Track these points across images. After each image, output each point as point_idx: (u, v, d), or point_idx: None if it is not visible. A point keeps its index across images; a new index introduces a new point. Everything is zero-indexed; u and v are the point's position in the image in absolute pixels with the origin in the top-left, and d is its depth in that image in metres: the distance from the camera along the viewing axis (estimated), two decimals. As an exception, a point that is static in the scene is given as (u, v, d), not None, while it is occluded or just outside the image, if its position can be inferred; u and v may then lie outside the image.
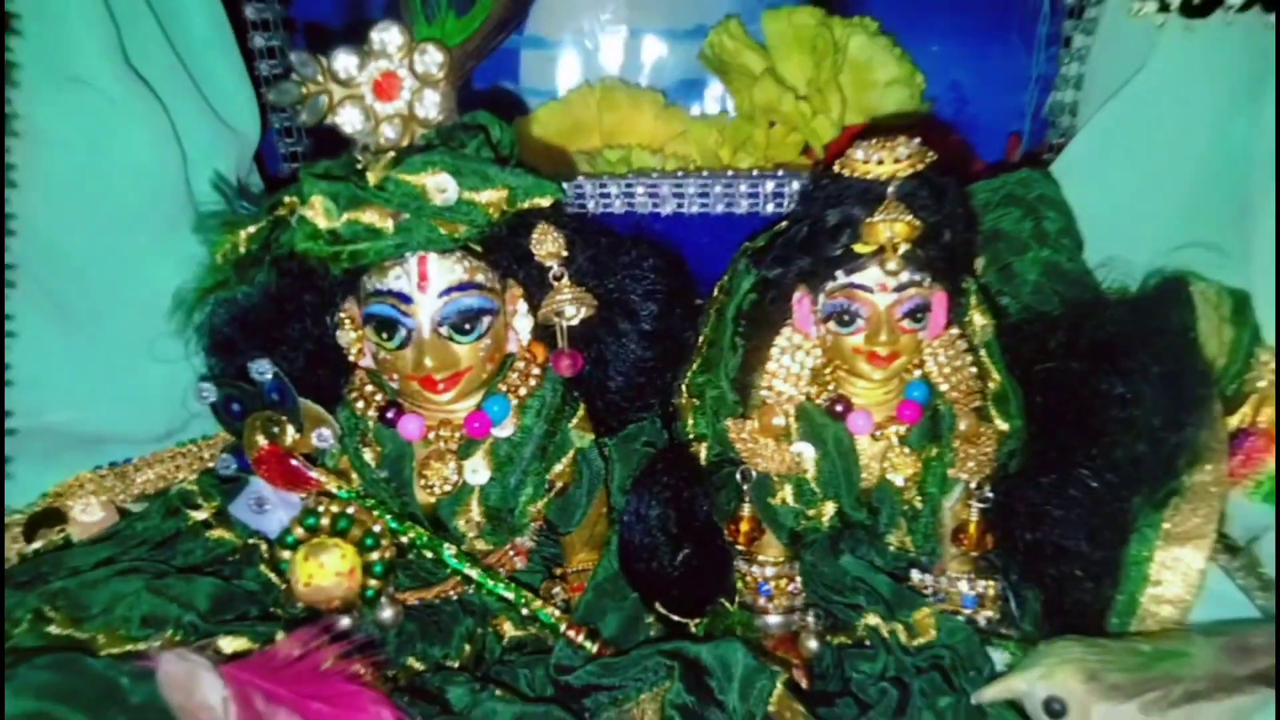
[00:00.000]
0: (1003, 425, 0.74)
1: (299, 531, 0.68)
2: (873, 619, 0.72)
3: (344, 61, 0.68)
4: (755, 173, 1.04)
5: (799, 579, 0.76)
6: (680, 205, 1.01)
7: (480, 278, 0.68)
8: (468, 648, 0.74)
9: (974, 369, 0.73)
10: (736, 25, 1.25)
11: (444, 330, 0.67)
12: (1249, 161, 0.74)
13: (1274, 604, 0.68)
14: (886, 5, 1.28)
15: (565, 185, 0.94)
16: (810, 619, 0.75)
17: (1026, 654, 0.61)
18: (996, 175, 0.90)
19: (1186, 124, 0.78)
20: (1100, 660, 0.58)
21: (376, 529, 0.70)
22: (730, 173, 1.04)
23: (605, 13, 1.26)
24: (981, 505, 0.73)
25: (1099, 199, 0.83)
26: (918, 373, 0.73)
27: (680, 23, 1.28)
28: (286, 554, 0.68)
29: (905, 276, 0.68)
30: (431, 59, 0.68)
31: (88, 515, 0.77)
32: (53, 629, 0.67)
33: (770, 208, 1.01)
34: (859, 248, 0.67)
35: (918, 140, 0.69)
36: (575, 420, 0.74)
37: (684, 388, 0.77)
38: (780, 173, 1.03)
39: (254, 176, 0.87)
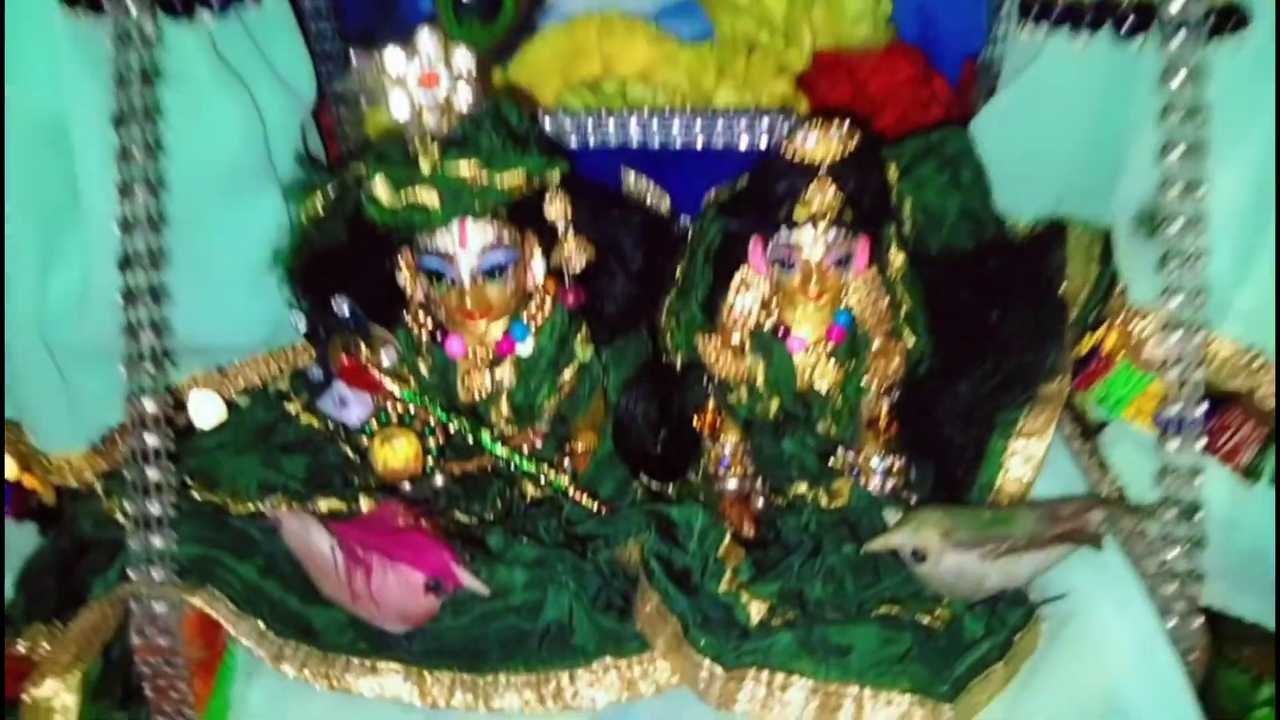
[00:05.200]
0: (911, 340, 0.95)
1: (375, 425, 0.92)
2: (802, 487, 0.97)
3: (394, 57, 0.86)
4: (732, 112, 1.22)
5: (750, 455, 1.00)
6: (666, 141, 1.20)
7: (506, 236, 0.88)
8: (499, 504, 0.98)
9: (887, 300, 0.93)
10: (726, -44, 1.39)
11: (480, 279, 0.88)
12: (1117, 144, 0.93)
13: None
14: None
15: (570, 120, 1.14)
16: (758, 484, 0.99)
17: (903, 516, 0.84)
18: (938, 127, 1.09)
19: (1069, 113, 0.95)
20: (954, 522, 0.81)
21: (431, 421, 0.93)
22: (710, 111, 1.22)
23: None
24: (889, 401, 0.96)
25: (1004, 158, 1.02)
26: (845, 301, 0.94)
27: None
28: (365, 440, 0.92)
29: (832, 236, 0.88)
30: (464, 60, 0.87)
31: (202, 405, 0.99)
32: (194, 494, 0.91)
33: (743, 144, 1.20)
34: (797, 215, 0.87)
35: (848, 124, 0.88)
36: (579, 338, 0.95)
37: (664, 310, 0.98)
38: (752, 111, 1.21)
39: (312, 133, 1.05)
